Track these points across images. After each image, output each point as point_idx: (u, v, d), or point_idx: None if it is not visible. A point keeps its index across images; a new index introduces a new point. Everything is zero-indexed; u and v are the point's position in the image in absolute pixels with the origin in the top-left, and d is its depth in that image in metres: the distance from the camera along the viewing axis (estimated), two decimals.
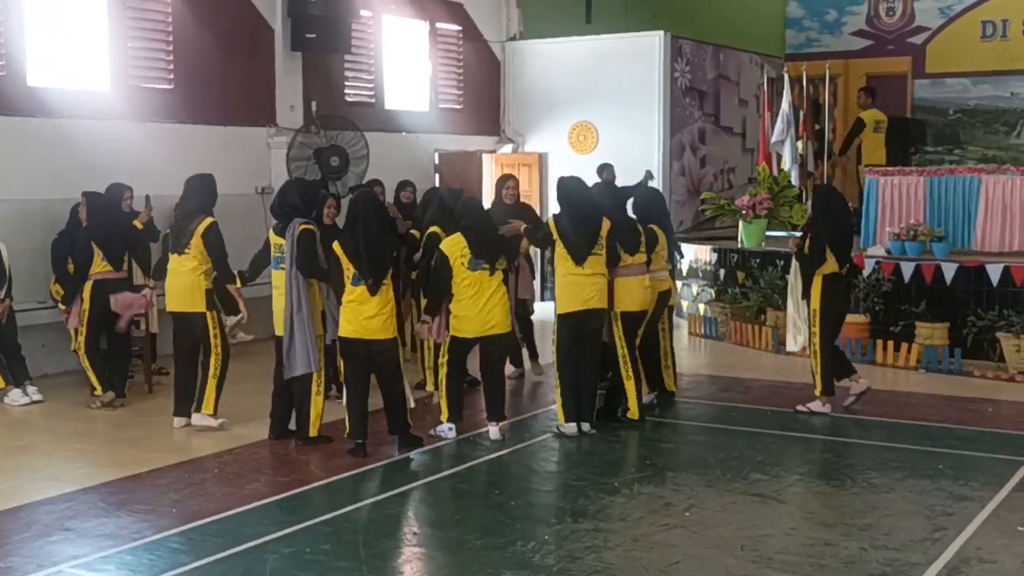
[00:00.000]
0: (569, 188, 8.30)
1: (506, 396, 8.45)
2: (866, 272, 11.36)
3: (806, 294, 8.94)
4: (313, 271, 7.77)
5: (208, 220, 8.30)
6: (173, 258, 8.38)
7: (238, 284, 8.33)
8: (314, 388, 7.84)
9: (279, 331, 7.88)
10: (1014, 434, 8.28)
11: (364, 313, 7.47)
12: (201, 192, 8.54)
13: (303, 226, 7.75)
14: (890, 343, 10.88)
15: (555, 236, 8.15)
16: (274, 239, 7.93)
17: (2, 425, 8.72)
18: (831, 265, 8.79)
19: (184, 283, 8.27)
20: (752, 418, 8.93)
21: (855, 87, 19.24)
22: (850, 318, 11.09)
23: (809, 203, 9.51)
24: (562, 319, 8.18)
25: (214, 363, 8.26)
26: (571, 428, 8.21)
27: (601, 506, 6.62)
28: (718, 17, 18.78)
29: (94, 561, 5.72)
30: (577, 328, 8.15)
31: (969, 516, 6.31)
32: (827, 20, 20.18)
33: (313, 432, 7.89)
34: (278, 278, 7.88)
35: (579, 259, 8.05)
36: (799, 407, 9.01)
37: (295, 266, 7.66)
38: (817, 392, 8.94)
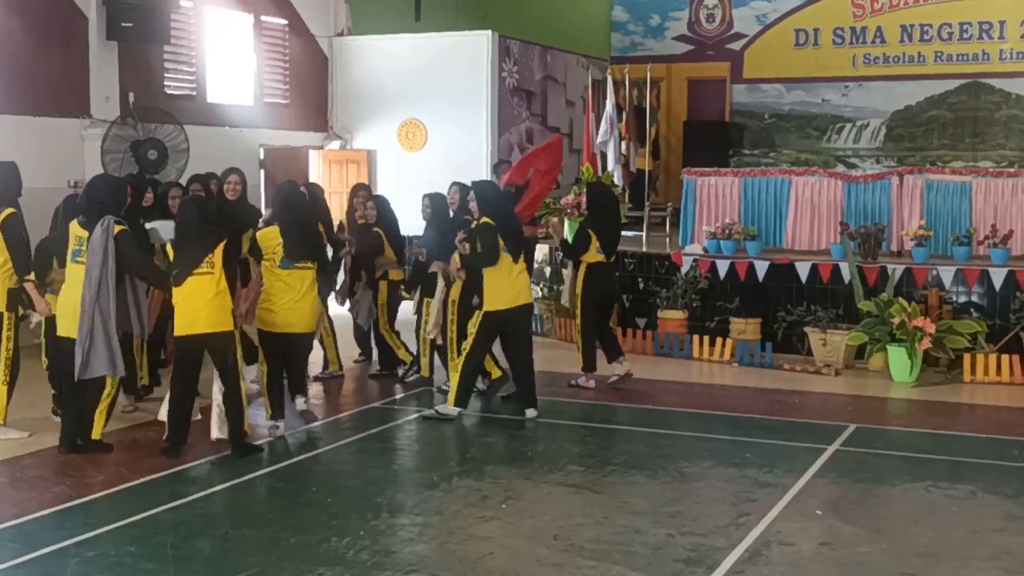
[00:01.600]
0: (498, 192, 9.04)
1: (307, 376, 8.58)
2: (684, 270, 11.70)
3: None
4: (146, 275, 7.51)
5: (7, 211, 7.77)
6: None
7: (32, 278, 7.71)
8: (107, 390, 7.42)
9: (65, 331, 7.35)
10: (818, 423, 8.65)
11: (194, 306, 7.24)
12: (1, 182, 7.99)
13: (119, 227, 7.32)
14: (706, 338, 11.22)
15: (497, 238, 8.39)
16: (77, 231, 7.49)
17: None
18: (595, 255, 9.53)
19: None
20: (574, 412, 9.09)
21: (678, 91, 19.84)
22: (668, 314, 11.50)
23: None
24: (494, 315, 8.41)
25: (1, 369, 7.74)
26: (455, 411, 8.47)
27: (419, 500, 6.63)
28: (546, 19, 19.04)
29: None
30: (507, 322, 8.50)
31: (772, 502, 6.56)
32: (651, 25, 20.71)
33: (96, 435, 7.46)
34: (75, 272, 7.40)
35: (517, 257, 8.49)
36: (571, 382, 9.78)
37: (101, 267, 7.22)
38: (581, 368, 9.72)
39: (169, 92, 13.45)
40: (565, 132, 17.29)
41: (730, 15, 20.06)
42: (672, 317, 11.51)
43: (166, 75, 13.46)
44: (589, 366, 9.70)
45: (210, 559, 5.77)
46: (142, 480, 6.92)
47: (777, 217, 12.48)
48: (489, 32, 15.40)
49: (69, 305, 7.37)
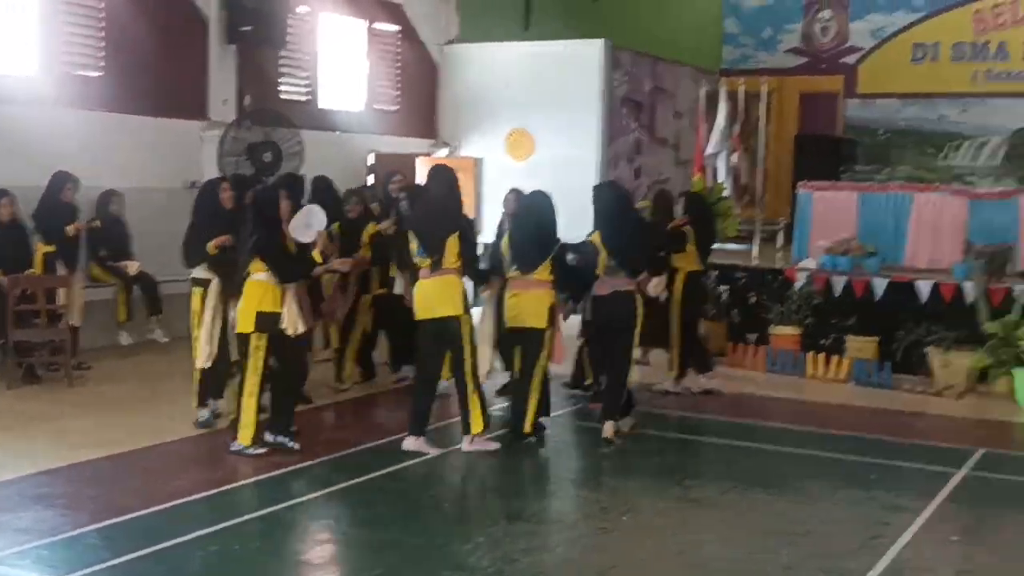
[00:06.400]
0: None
1: None
2: (798, 285, 11.42)
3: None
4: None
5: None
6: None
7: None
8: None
9: None
10: (943, 447, 8.34)
11: None
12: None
13: None
14: (821, 356, 10.93)
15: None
16: None
17: None
18: (695, 263, 9.76)
19: None
20: (689, 427, 8.92)
21: (788, 104, 19.49)
22: (781, 330, 11.24)
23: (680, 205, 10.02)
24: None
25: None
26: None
27: (537, 509, 6.52)
28: (656, 30, 18.88)
29: (9, 556, 5.46)
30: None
31: (903, 526, 6.31)
32: (763, 37, 20.43)
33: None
34: None
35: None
36: (667, 389, 9.82)
37: None
38: (676, 374, 9.88)
39: (283, 96, 13.57)
40: (672, 144, 17.11)
41: (846, 29, 19.70)
42: (785, 333, 11.24)
43: (280, 79, 13.59)
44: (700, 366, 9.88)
45: (332, 559, 5.75)
46: (262, 476, 6.91)
47: (896, 234, 12.11)
48: (601, 41, 15.26)
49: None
